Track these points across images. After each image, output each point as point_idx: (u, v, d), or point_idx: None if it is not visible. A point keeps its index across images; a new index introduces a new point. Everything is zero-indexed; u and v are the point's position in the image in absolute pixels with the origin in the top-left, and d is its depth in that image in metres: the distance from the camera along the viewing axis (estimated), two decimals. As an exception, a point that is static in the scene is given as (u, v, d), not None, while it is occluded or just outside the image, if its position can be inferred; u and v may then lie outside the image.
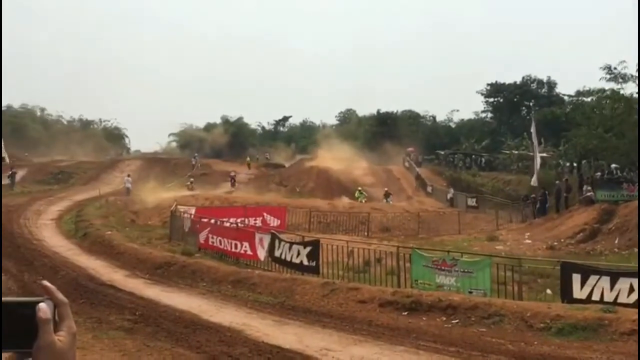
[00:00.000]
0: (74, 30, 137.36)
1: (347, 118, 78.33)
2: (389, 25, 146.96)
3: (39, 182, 44.97)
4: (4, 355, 1.02)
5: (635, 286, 10.98)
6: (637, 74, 30.76)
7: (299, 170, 50.23)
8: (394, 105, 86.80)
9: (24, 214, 27.44)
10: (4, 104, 66.47)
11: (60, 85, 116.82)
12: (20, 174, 43.55)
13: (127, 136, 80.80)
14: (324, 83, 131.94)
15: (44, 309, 1.00)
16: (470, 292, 12.75)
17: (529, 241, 24.34)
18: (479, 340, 10.12)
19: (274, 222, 25.43)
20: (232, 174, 46.96)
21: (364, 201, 34.99)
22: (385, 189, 40.67)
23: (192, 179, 42.65)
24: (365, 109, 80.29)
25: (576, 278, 11.78)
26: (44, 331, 0.99)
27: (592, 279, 11.55)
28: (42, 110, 74.64)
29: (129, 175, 40.63)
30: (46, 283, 1.06)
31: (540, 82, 67.45)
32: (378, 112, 71.87)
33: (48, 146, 60.72)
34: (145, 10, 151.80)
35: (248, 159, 58.13)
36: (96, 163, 55.26)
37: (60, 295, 1.05)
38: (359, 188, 37.45)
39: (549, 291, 13.24)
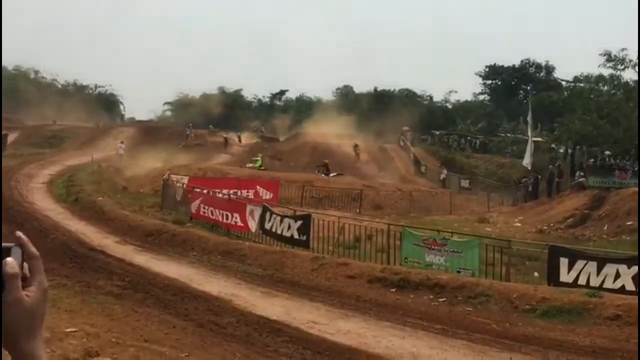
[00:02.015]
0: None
1: (344, 94, 77.87)
2: (390, 5, 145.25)
3: (31, 145, 44.65)
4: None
5: (622, 272, 11.10)
6: (637, 61, 30.70)
7: (294, 145, 50.07)
8: (392, 83, 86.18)
9: (15, 176, 27.29)
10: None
11: (56, 48, 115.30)
12: (12, 136, 43.18)
13: (122, 103, 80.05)
14: (323, 58, 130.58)
15: (11, 263, 0.94)
16: (459, 272, 12.86)
17: (519, 224, 24.49)
18: (465, 319, 10.23)
19: (266, 195, 25.40)
20: (238, 134, 54.78)
21: (261, 167, 34.86)
22: (325, 160, 37.93)
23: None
24: (362, 86, 79.78)
25: (563, 262, 11.88)
26: (11, 286, 0.94)
27: (580, 264, 11.65)
28: (36, 72, 73.65)
29: (122, 142, 40.35)
30: (19, 234, 1.02)
31: (538, 66, 67.26)
32: (375, 89, 71.50)
33: (41, 109, 60.06)
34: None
35: (238, 134, 57.58)
36: (89, 128, 54.81)
37: (32, 248, 1.00)
38: (254, 158, 37.63)
39: (536, 274, 13.34)
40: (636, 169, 26.54)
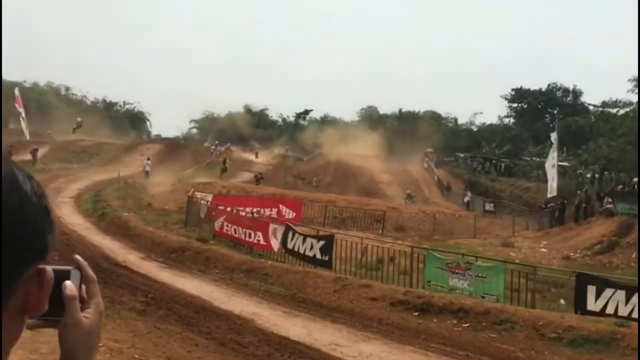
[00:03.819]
0: (102, 11, 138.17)
1: (368, 115, 78.03)
2: (417, 26, 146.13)
3: (60, 160, 45.45)
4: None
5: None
6: None
7: (317, 165, 50.25)
8: (417, 104, 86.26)
9: (44, 190, 27.74)
10: (30, 81, 67.48)
11: (86, 67, 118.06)
12: (42, 151, 44.03)
13: (148, 120, 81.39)
14: (348, 79, 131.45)
15: (70, 285, 0.98)
16: (483, 297, 12.67)
17: (545, 250, 24.08)
18: (489, 346, 10.05)
19: (289, 214, 25.46)
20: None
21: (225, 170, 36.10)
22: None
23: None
24: (387, 107, 79.99)
25: (591, 290, 11.64)
26: (71, 308, 0.97)
27: (608, 292, 11.40)
28: (67, 89, 75.43)
29: (148, 159, 40.90)
30: (78, 257, 1.05)
31: (565, 90, 66.67)
32: (400, 110, 71.57)
33: (71, 125, 61.19)
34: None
35: (257, 146, 58.06)
36: (117, 145, 55.70)
37: (89, 272, 1.03)
38: (225, 159, 39.32)
39: (562, 301, 13.10)
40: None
